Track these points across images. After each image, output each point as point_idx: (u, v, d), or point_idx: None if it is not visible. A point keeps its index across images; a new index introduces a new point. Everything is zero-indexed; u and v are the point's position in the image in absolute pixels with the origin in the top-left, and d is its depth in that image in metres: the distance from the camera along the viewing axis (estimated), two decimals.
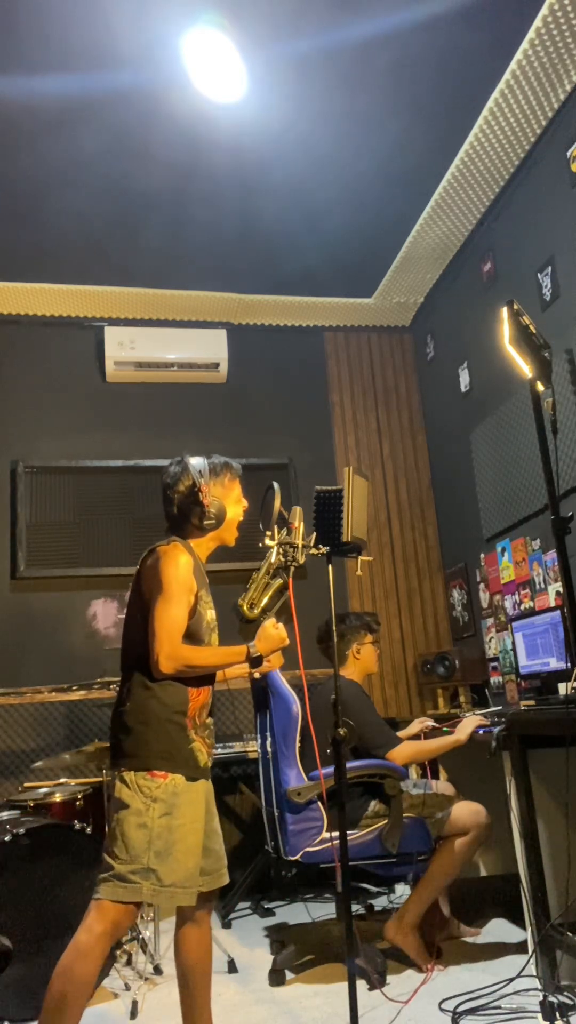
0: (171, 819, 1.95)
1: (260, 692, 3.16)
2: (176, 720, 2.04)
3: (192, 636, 2.10)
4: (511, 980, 2.48)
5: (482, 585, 4.38)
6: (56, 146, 3.57)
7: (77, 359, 4.88)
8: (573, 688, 2.67)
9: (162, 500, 2.24)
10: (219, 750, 4.05)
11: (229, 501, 2.26)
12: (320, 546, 2.37)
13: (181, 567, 2.07)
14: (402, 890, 3.91)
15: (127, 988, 2.79)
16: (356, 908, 3.59)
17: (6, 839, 2.53)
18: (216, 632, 2.28)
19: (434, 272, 4.82)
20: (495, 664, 4.19)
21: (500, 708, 3.48)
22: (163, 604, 2.02)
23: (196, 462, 2.20)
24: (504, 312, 2.28)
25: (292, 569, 2.33)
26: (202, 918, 2.11)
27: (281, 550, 2.33)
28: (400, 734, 3.16)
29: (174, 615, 2.02)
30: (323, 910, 3.70)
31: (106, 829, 2.08)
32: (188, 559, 2.11)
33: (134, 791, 1.95)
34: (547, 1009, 2.12)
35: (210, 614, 2.23)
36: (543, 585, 3.72)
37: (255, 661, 2.24)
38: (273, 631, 2.21)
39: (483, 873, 3.64)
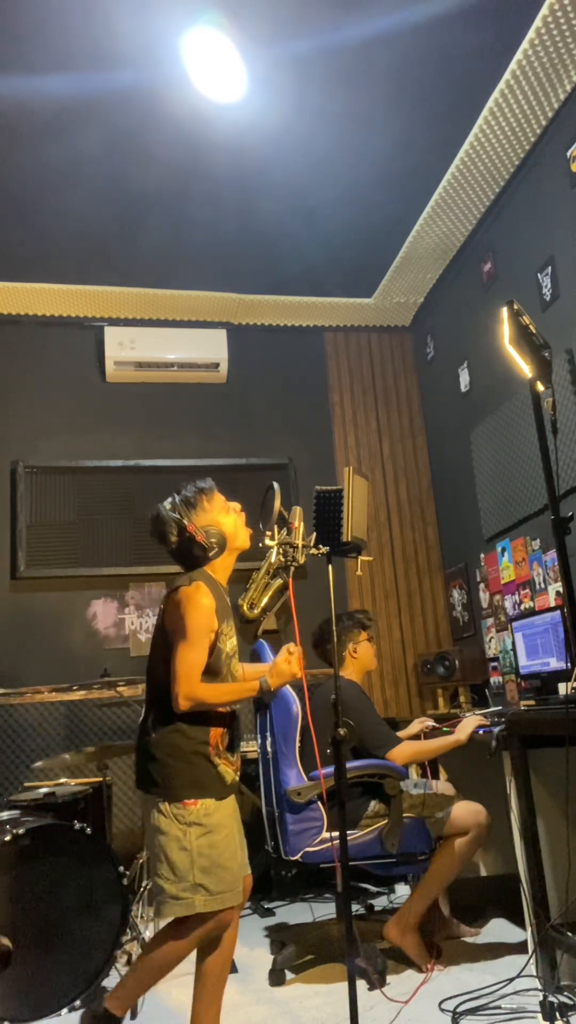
0: (211, 836, 2.09)
1: None
2: (200, 751, 2.14)
3: (211, 670, 2.17)
4: (511, 980, 2.48)
5: (482, 585, 4.38)
6: (56, 146, 3.57)
7: (77, 359, 4.88)
8: (573, 688, 2.67)
9: (166, 548, 2.30)
10: None
11: (219, 517, 2.29)
12: (320, 546, 2.37)
13: (203, 611, 2.14)
14: (402, 890, 3.91)
15: None
16: (356, 908, 3.59)
17: (6, 839, 2.53)
18: (236, 658, 2.34)
19: (434, 272, 4.82)
20: (495, 664, 4.19)
21: (500, 708, 3.48)
22: (184, 648, 2.11)
23: (168, 506, 2.27)
24: (504, 312, 2.28)
25: (292, 569, 2.33)
26: (234, 915, 2.21)
27: (281, 550, 2.33)
28: (400, 734, 3.16)
29: (193, 658, 2.11)
30: (323, 910, 3.70)
31: (146, 853, 2.28)
32: (210, 602, 2.16)
33: (170, 819, 2.08)
34: (547, 1009, 2.12)
35: (230, 644, 2.28)
36: (543, 585, 3.72)
37: (268, 694, 2.32)
38: (285, 666, 2.24)
39: (483, 873, 3.64)
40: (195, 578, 2.19)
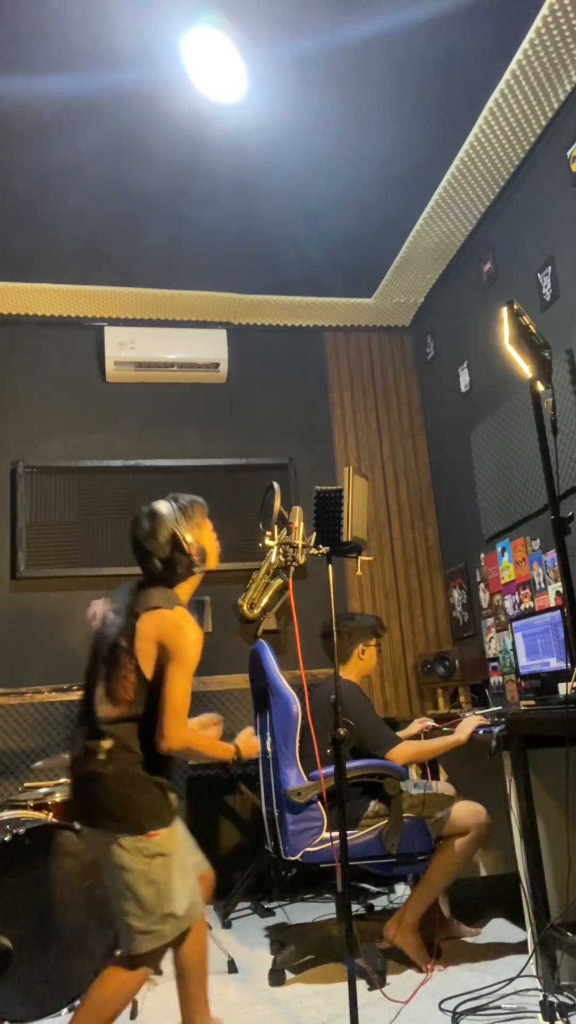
0: (169, 862, 2.01)
1: (260, 692, 3.16)
2: (160, 781, 2.06)
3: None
4: (511, 980, 2.48)
5: (482, 585, 4.38)
6: (56, 146, 3.57)
7: (77, 359, 4.88)
8: (573, 688, 2.67)
9: (137, 554, 2.19)
10: None
11: (204, 538, 2.23)
12: (320, 546, 2.37)
13: (197, 641, 2.06)
14: (402, 890, 3.91)
15: None
16: (356, 908, 3.59)
17: (6, 839, 2.53)
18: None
19: (434, 272, 4.82)
20: (495, 664, 4.19)
21: (500, 708, 3.48)
22: (181, 680, 2.01)
23: (167, 510, 2.17)
24: (504, 312, 2.28)
25: (292, 569, 2.33)
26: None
27: (281, 550, 2.34)
28: (400, 734, 3.16)
29: (186, 692, 2.02)
30: (323, 910, 3.70)
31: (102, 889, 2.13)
32: (200, 631, 2.09)
33: (134, 855, 1.97)
34: (547, 1009, 2.12)
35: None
36: (543, 585, 3.72)
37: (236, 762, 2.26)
38: (254, 740, 2.27)
39: (483, 873, 3.64)
40: (175, 602, 2.10)
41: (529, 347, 2.25)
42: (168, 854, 2.01)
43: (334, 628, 2.42)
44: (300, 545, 2.32)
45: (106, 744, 2.01)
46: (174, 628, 2.03)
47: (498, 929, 3.18)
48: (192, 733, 2.06)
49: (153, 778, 2.04)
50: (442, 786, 3.12)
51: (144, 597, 2.11)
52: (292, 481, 4.88)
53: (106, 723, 2.04)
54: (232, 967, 2.95)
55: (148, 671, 2.03)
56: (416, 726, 3.31)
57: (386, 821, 2.83)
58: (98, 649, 2.16)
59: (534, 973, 2.45)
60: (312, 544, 2.38)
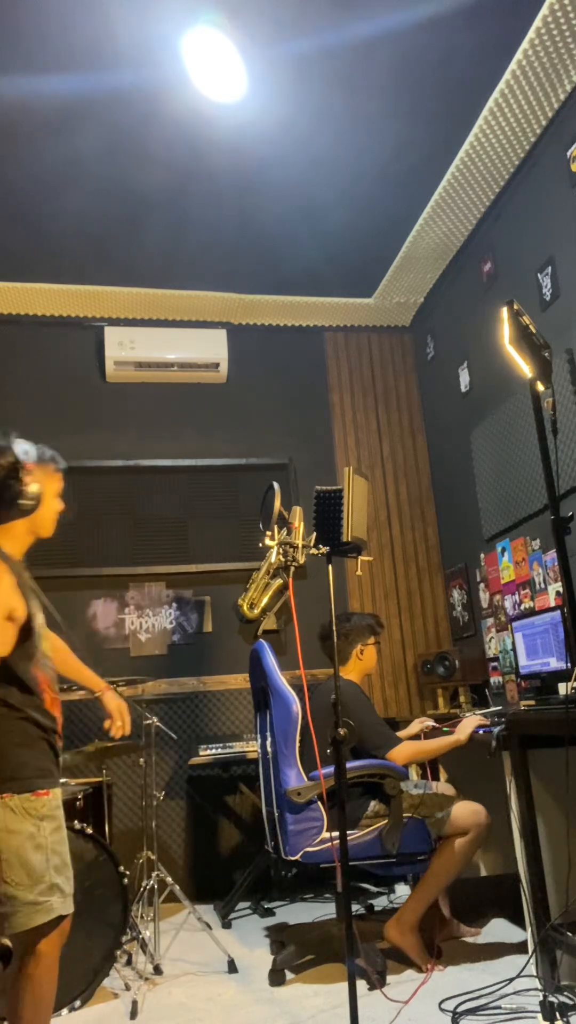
0: (59, 831, 1.93)
1: (260, 692, 3.16)
2: (50, 739, 1.98)
3: (30, 657, 1.98)
4: (511, 980, 2.48)
5: (482, 585, 4.38)
6: (56, 146, 3.57)
7: (77, 359, 4.88)
8: (573, 688, 2.67)
9: None
10: (219, 750, 4.05)
11: (49, 492, 2.13)
12: (320, 546, 2.37)
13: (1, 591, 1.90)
14: (402, 890, 3.91)
15: (127, 988, 2.79)
16: (356, 908, 3.59)
17: None
18: (43, 636, 2.09)
19: (434, 272, 4.82)
20: (495, 664, 4.19)
21: (500, 708, 3.48)
22: None
23: (22, 442, 2.06)
24: (504, 312, 2.28)
25: (292, 569, 2.33)
26: (66, 931, 2.00)
27: (281, 550, 2.34)
28: (400, 734, 3.16)
29: None
30: (323, 910, 3.71)
31: None
32: (11, 579, 1.96)
33: (20, 815, 1.85)
34: (547, 1009, 2.12)
35: (39, 620, 2.07)
36: (543, 585, 3.72)
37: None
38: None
39: (483, 873, 3.64)
40: None
41: (529, 347, 2.25)
42: (56, 819, 1.92)
43: (334, 628, 2.42)
44: (300, 545, 2.33)
45: None
46: None
47: (498, 929, 3.18)
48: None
49: (42, 734, 1.95)
50: (442, 786, 3.12)
51: None
52: (292, 481, 4.88)
53: None
54: (232, 967, 2.95)
55: None
56: (416, 726, 3.31)
57: (386, 821, 2.83)
58: None
59: (534, 973, 2.45)
60: (312, 544, 2.38)
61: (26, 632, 1.97)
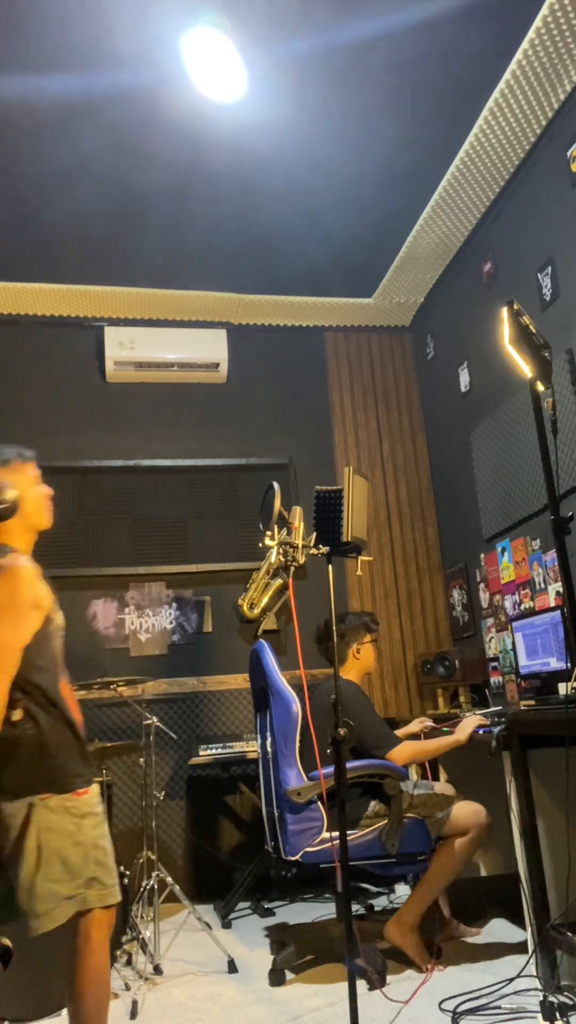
0: (101, 827, 1.98)
1: (260, 692, 3.16)
2: (79, 736, 2.03)
3: (46, 655, 2.01)
4: (511, 980, 2.48)
5: (482, 585, 4.38)
6: (56, 146, 3.57)
7: (77, 359, 4.88)
8: (573, 688, 2.67)
9: None
10: (219, 750, 4.05)
11: (26, 484, 2.12)
12: (320, 546, 2.37)
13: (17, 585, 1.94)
14: (402, 890, 3.91)
15: (127, 988, 2.79)
16: (356, 908, 3.59)
17: None
18: (61, 637, 2.14)
19: (434, 272, 4.82)
20: (495, 664, 4.19)
21: (500, 708, 3.48)
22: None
23: None
24: (504, 312, 2.28)
25: (292, 569, 2.32)
26: (112, 918, 2.07)
27: (281, 550, 2.33)
28: (399, 732, 3.17)
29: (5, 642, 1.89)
30: (323, 910, 3.71)
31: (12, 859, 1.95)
32: (36, 571, 1.99)
33: (60, 815, 1.91)
34: (547, 1009, 2.12)
35: (58, 620, 2.11)
36: (543, 585, 3.72)
37: None
38: None
39: (483, 873, 3.64)
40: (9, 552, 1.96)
41: (529, 347, 2.24)
42: (97, 816, 1.97)
43: (334, 628, 2.42)
44: (300, 545, 2.32)
45: (17, 713, 1.96)
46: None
47: (498, 929, 3.18)
48: None
49: (72, 733, 2.00)
50: (442, 786, 3.13)
51: None
52: (292, 481, 4.88)
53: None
54: (232, 967, 2.95)
55: None
56: (416, 726, 3.31)
57: (386, 821, 2.83)
58: None
59: (534, 973, 2.45)
60: (312, 544, 2.37)
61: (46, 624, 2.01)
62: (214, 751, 4.02)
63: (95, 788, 2.00)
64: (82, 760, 2.01)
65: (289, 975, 2.84)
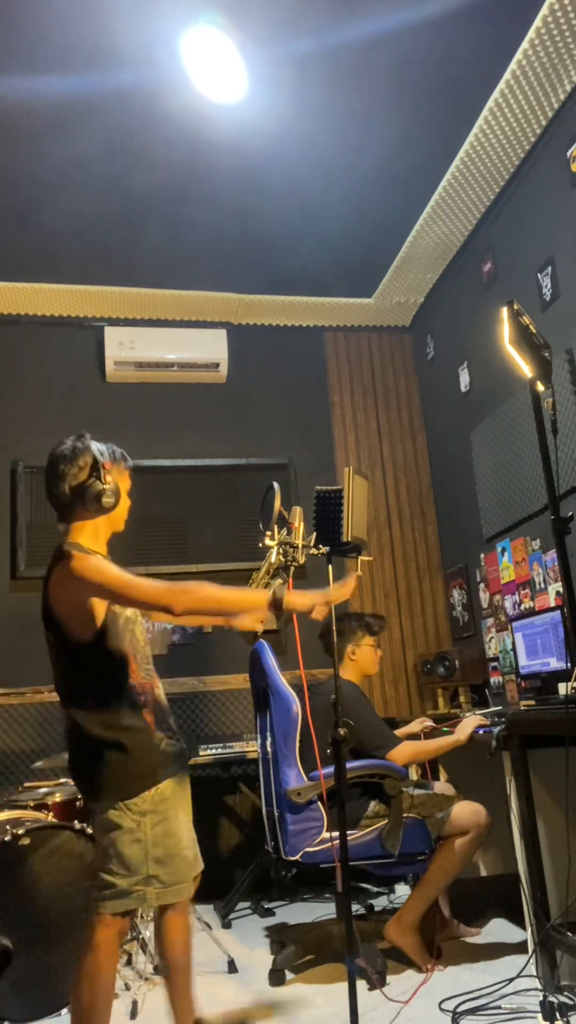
0: (166, 824, 1.99)
1: (260, 692, 3.16)
2: (143, 740, 2.02)
3: (111, 636, 2.03)
4: (511, 980, 2.48)
5: (482, 585, 4.38)
6: (56, 146, 3.57)
7: (77, 359, 4.88)
8: (573, 688, 2.67)
9: (47, 482, 2.12)
10: (219, 750, 4.05)
11: (124, 488, 2.22)
12: (320, 546, 2.37)
13: (95, 562, 1.98)
14: (402, 890, 3.91)
15: (127, 988, 2.78)
16: (356, 908, 3.59)
17: (6, 839, 2.53)
18: (139, 624, 2.19)
19: (434, 272, 4.82)
20: (495, 664, 4.19)
21: (500, 708, 3.48)
22: (122, 587, 1.92)
23: (87, 441, 2.14)
24: (504, 312, 2.28)
25: (292, 569, 2.32)
26: (186, 905, 2.12)
27: (281, 550, 2.33)
28: (399, 732, 3.16)
29: (127, 581, 1.92)
30: (323, 910, 3.70)
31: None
32: (98, 558, 2.03)
33: (122, 811, 1.96)
34: (547, 1009, 2.12)
35: (129, 610, 2.13)
36: (543, 585, 3.72)
37: (276, 603, 2.08)
38: (307, 594, 2.14)
39: (483, 873, 3.64)
40: (73, 550, 2.00)
41: (529, 347, 2.24)
42: (161, 813, 1.98)
43: (334, 628, 2.42)
44: (300, 545, 2.32)
45: (76, 717, 2.03)
46: (76, 570, 1.93)
47: (498, 929, 3.18)
48: (190, 588, 1.94)
49: (143, 740, 2.00)
50: (442, 786, 3.13)
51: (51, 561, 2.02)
52: (292, 481, 4.88)
53: (72, 701, 2.05)
54: (232, 967, 2.95)
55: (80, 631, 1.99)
56: (416, 726, 3.31)
57: (386, 821, 2.83)
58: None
59: (534, 973, 2.45)
60: (312, 544, 2.37)
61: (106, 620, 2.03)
62: (214, 751, 4.02)
63: (160, 787, 2.00)
64: (155, 757, 2.02)
65: (289, 975, 2.84)
